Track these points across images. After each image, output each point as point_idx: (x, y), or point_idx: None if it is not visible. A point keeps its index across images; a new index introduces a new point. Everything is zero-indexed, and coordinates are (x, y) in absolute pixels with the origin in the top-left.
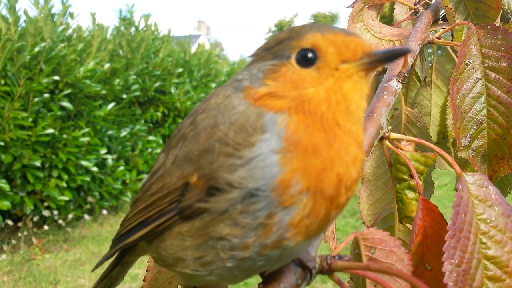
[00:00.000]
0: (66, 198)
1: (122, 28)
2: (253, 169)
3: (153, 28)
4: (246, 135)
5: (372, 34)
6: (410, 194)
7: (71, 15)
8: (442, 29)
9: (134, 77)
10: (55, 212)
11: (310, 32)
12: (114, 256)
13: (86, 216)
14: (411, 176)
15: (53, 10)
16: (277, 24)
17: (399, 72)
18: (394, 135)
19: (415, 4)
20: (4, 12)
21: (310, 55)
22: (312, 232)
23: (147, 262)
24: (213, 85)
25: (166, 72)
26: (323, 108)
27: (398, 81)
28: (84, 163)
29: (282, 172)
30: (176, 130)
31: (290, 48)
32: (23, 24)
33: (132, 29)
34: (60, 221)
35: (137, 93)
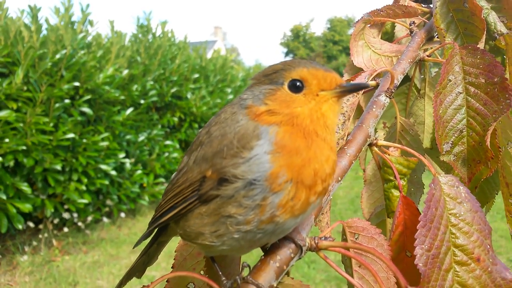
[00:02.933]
0: (85, 201)
1: (140, 35)
2: (252, 165)
3: (170, 34)
4: (246, 141)
5: (373, 51)
6: (396, 193)
7: (91, 22)
8: (434, 47)
9: (152, 82)
10: (75, 215)
11: (299, 67)
12: (151, 237)
13: (105, 219)
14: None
15: (73, 18)
16: (293, 29)
17: (388, 88)
18: (381, 142)
19: (410, 25)
20: (27, 20)
21: (298, 84)
22: (296, 211)
23: (173, 258)
24: (229, 90)
25: (183, 78)
26: (307, 122)
27: (386, 96)
28: (103, 167)
29: (272, 167)
30: (196, 138)
31: (283, 77)
32: (45, 32)
33: (150, 36)
34: (80, 224)
35: (155, 99)
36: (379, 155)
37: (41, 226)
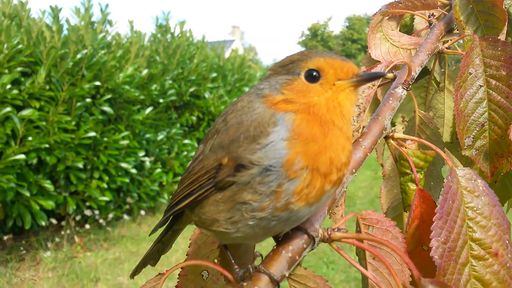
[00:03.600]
0: (106, 198)
1: (159, 35)
2: (268, 151)
3: (188, 34)
4: (263, 127)
5: (391, 43)
6: (412, 186)
7: (110, 22)
8: (453, 39)
9: (170, 82)
10: (96, 212)
11: (316, 57)
12: (166, 225)
13: (125, 216)
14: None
15: (93, 18)
16: (311, 28)
17: (405, 80)
18: (397, 134)
19: (429, 17)
20: (48, 21)
21: (315, 73)
22: (311, 199)
23: (187, 251)
24: (247, 89)
25: (201, 77)
26: (323, 111)
27: (404, 88)
28: (123, 165)
29: (288, 153)
30: (212, 126)
31: (300, 67)
32: (66, 32)
33: (168, 36)
34: (101, 221)
35: (173, 98)
36: (395, 148)
37: (63, 223)
